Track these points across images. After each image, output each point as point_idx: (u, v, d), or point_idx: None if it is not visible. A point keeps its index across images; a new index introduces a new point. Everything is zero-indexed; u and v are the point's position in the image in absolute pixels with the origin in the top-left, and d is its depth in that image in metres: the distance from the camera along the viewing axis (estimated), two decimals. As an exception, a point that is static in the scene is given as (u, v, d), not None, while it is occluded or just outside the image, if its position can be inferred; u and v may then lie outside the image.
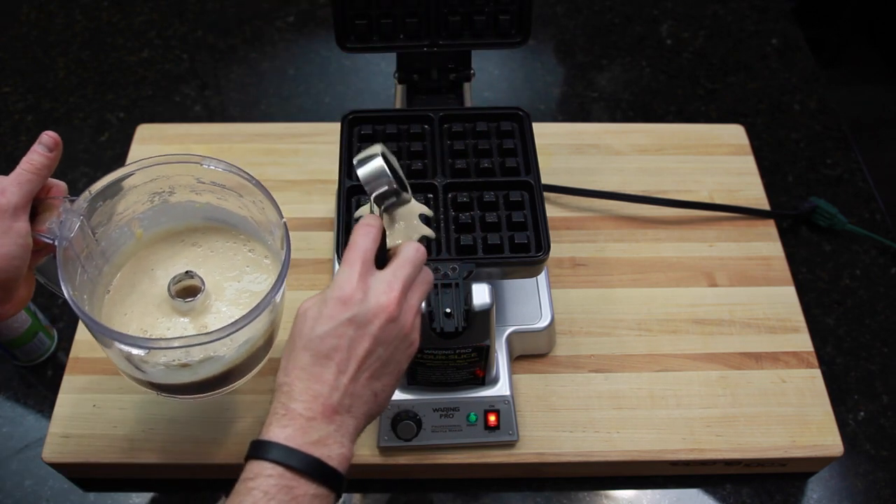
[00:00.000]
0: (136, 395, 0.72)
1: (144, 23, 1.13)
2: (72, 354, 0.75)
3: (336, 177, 0.67)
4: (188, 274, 0.62)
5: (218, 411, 0.72)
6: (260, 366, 0.63)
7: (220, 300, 0.62)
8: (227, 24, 1.13)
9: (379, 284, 0.50)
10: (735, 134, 0.96)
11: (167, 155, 0.60)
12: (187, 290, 0.62)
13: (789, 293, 0.82)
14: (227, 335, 0.53)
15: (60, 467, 0.70)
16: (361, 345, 0.49)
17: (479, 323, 0.63)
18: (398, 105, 0.76)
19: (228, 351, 0.58)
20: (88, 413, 0.71)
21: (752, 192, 0.90)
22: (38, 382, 0.77)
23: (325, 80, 1.06)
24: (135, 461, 0.69)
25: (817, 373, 0.76)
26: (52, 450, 0.69)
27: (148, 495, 0.71)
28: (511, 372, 0.72)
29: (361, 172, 0.53)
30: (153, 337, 0.59)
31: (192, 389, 0.60)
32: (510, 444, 0.70)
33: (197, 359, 0.57)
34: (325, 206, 0.87)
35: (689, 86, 1.07)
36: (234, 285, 0.63)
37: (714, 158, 0.94)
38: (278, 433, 0.47)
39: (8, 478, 0.71)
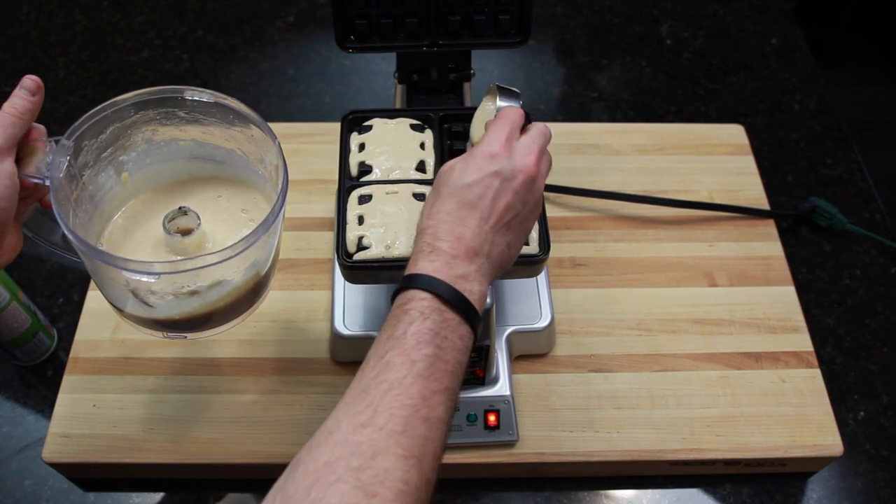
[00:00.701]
0: (136, 395, 0.73)
1: (144, 23, 1.13)
2: (72, 354, 0.75)
3: (336, 177, 0.67)
4: (181, 210, 0.60)
5: (218, 411, 0.72)
6: (265, 295, 0.62)
7: (217, 246, 0.61)
8: (227, 24, 1.13)
9: (521, 147, 0.55)
10: (735, 134, 0.96)
11: (147, 90, 0.58)
12: (182, 232, 0.60)
13: (789, 293, 0.82)
14: (238, 253, 0.52)
15: (60, 467, 0.70)
16: (504, 197, 0.53)
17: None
18: (398, 105, 0.76)
19: (236, 274, 0.57)
20: (88, 413, 0.71)
21: (752, 192, 0.91)
22: (38, 382, 0.77)
23: (325, 80, 1.06)
24: (135, 461, 0.69)
25: (817, 373, 0.76)
26: (52, 450, 0.69)
27: (148, 495, 0.71)
28: (511, 372, 0.72)
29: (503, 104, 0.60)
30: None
31: (200, 323, 0.58)
32: (510, 444, 0.70)
33: (206, 284, 0.55)
34: (325, 206, 0.87)
35: (689, 86, 1.07)
36: (231, 228, 0.62)
37: (714, 158, 0.94)
38: (426, 266, 0.50)
39: (8, 478, 0.71)
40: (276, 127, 0.95)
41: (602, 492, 0.72)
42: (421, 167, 0.65)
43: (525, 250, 0.62)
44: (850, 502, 0.72)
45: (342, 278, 0.75)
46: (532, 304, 0.75)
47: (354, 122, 0.70)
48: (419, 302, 0.49)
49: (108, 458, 0.69)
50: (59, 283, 0.84)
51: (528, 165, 0.54)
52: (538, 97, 1.05)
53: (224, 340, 0.76)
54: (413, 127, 0.68)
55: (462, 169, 0.54)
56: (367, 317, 0.74)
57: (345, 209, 0.64)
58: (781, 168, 0.98)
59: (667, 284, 0.82)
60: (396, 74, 0.74)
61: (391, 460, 0.42)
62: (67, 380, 0.73)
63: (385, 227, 0.61)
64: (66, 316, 0.82)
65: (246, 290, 0.59)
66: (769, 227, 0.88)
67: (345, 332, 0.73)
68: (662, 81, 1.07)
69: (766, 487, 0.72)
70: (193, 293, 0.56)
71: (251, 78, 1.06)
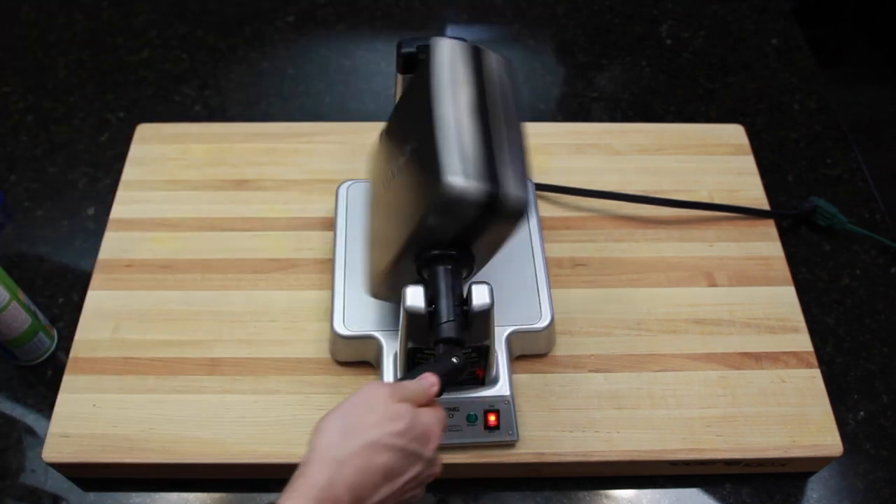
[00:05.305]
0: (136, 395, 0.73)
1: (144, 23, 1.13)
2: (72, 354, 0.75)
3: (337, 176, 0.67)
4: None
5: (218, 411, 0.72)
6: None
7: None
8: (227, 24, 1.13)
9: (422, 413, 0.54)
10: (735, 134, 0.96)
11: None
12: None
13: (789, 293, 0.82)
14: None
15: (60, 467, 0.70)
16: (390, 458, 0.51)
17: (479, 323, 0.63)
18: (398, 99, 0.76)
19: None
20: (88, 413, 0.71)
21: (752, 191, 0.91)
22: (38, 382, 0.77)
23: (325, 80, 1.06)
24: (135, 461, 0.69)
25: (817, 373, 0.76)
26: (52, 450, 0.69)
27: (148, 495, 0.71)
28: (511, 372, 0.72)
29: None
30: None
31: None
32: (510, 444, 0.70)
33: None
34: (326, 205, 0.87)
35: (689, 86, 1.07)
36: None
37: (714, 158, 0.94)
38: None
39: (8, 477, 0.71)
40: (275, 127, 0.96)
41: (602, 492, 0.72)
42: None
43: None
44: (850, 502, 0.72)
45: (342, 278, 0.75)
46: (532, 304, 0.75)
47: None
48: None
49: (108, 458, 0.69)
50: (59, 283, 0.84)
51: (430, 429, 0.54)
52: (538, 97, 1.05)
53: (224, 340, 0.76)
54: None
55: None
56: (367, 317, 0.74)
57: None
58: (781, 168, 0.98)
59: (667, 284, 0.82)
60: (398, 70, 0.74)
61: None
62: (67, 380, 0.73)
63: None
64: (66, 316, 0.82)
65: None
66: (769, 227, 0.88)
67: (345, 332, 0.73)
68: (662, 81, 1.07)
69: (766, 487, 0.72)
70: None
71: (251, 78, 1.06)
